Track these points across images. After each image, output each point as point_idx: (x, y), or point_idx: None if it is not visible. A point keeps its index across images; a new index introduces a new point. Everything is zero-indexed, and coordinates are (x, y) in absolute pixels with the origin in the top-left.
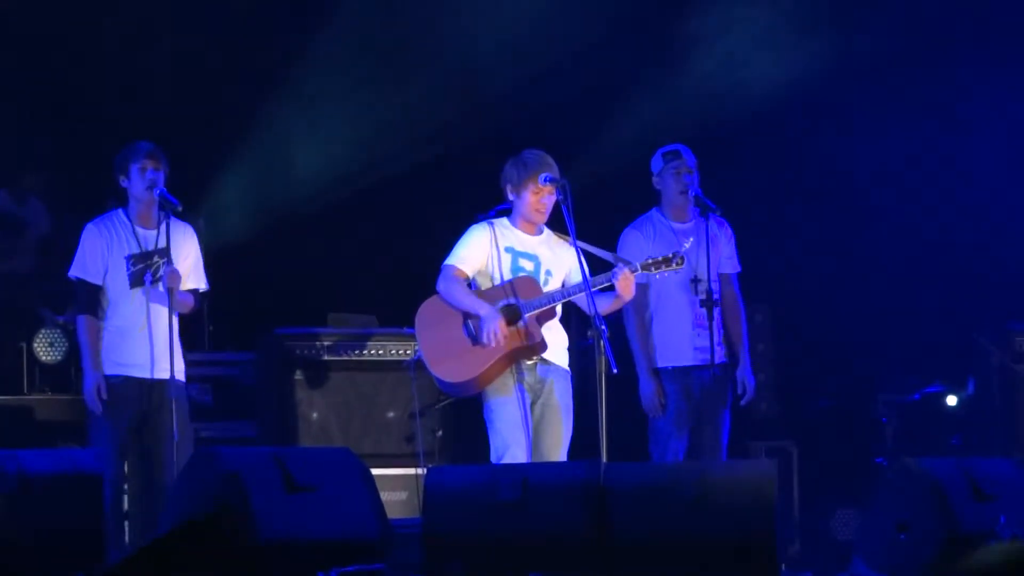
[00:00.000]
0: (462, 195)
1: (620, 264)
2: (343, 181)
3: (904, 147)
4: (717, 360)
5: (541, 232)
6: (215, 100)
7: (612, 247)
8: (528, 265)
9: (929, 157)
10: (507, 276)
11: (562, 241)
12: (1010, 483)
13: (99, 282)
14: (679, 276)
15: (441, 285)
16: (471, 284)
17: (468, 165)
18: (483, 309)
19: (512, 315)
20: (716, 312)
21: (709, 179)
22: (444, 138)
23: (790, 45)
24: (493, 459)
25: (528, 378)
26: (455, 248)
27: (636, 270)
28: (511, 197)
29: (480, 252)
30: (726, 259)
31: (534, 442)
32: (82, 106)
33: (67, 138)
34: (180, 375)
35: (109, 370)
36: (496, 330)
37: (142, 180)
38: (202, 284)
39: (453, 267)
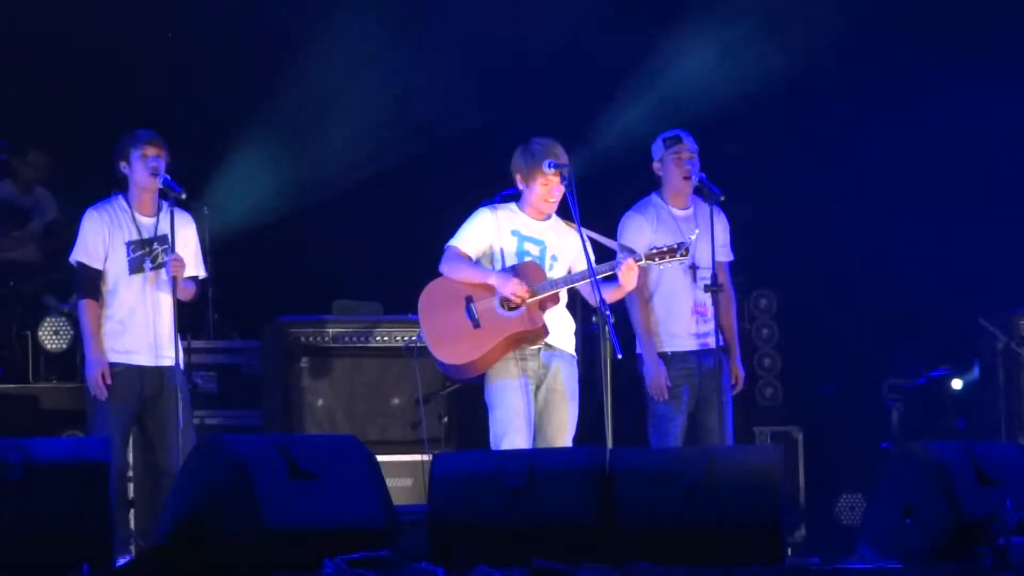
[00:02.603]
0: (467, 182)
1: (624, 253)
2: (348, 169)
3: (909, 132)
4: (717, 345)
5: (548, 218)
6: (220, 88)
7: (611, 231)
8: (534, 249)
9: (934, 141)
10: (512, 259)
11: (569, 228)
12: (1015, 467)
13: (100, 266)
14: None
15: (445, 265)
16: None
17: (473, 153)
18: (491, 277)
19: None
20: (717, 297)
21: (713, 164)
22: (450, 125)
23: (799, 27)
24: (491, 445)
25: (531, 363)
26: (459, 230)
27: (640, 260)
28: (520, 186)
29: (484, 235)
30: (720, 247)
31: (539, 428)
32: (86, 95)
33: (71, 127)
34: (180, 363)
35: (110, 358)
36: (516, 288)
37: (144, 167)
38: (201, 272)
39: (456, 248)
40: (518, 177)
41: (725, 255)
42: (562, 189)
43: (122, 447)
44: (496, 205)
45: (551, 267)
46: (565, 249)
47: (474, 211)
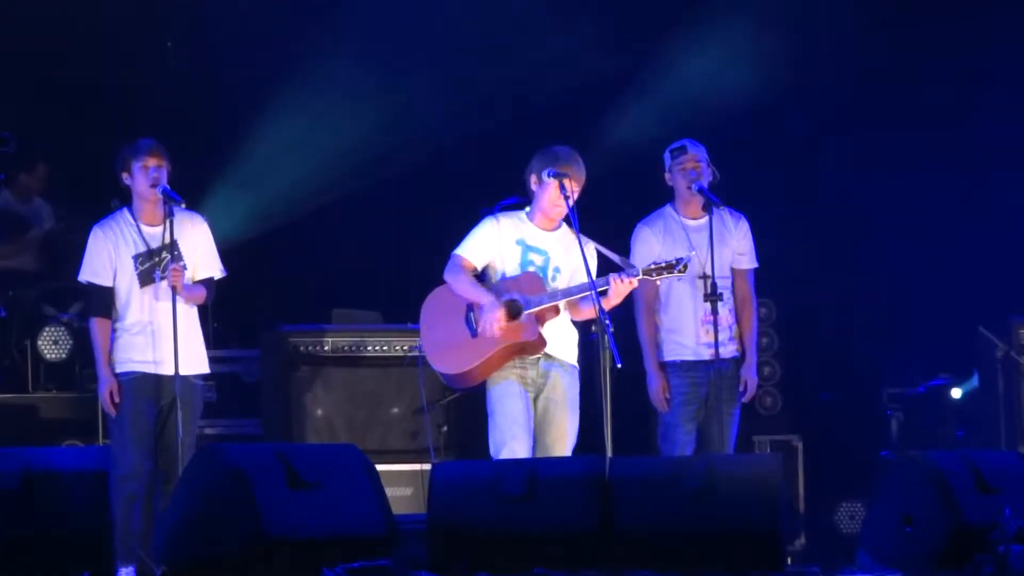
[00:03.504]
0: (465, 192)
1: (622, 271)
2: (347, 178)
3: (908, 137)
4: (727, 355)
5: (558, 228)
6: (217, 97)
7: (621, 241)
8: (538, 259)
9: (933, 146)
10: (515, 269)
11: (577, 240)
12: (1015, 475)
13: (109, 283)
14: (688, 272)
15: (448, 274)
16: (482, 276)
17: (473, 163)
18: (485, 299)
19: (514, 310)
20: (721, 307)
21: (719, 172)
22: (448, 134)
23: (796, 38)
24: (491, 453)
25: (530, 373)
26: (466, 238)
27: (638, 275)
28: (533, 188)
29: (488, 245)
30: (740, 255)
31: (538, 437)
32: (85, 104)
33: (70, 136)
34: (203, 368)
35: (124, 368)
36: (495, 320)
37: (145, 177)
38: (217, 272)
39: (461, 257)
40: (533, 179)
41: (746, 263)
42: (575, 196)
43: (141, 455)
44: (503, 214)
45: (553, 278)
46: (569, 261)
47: (481, 219)
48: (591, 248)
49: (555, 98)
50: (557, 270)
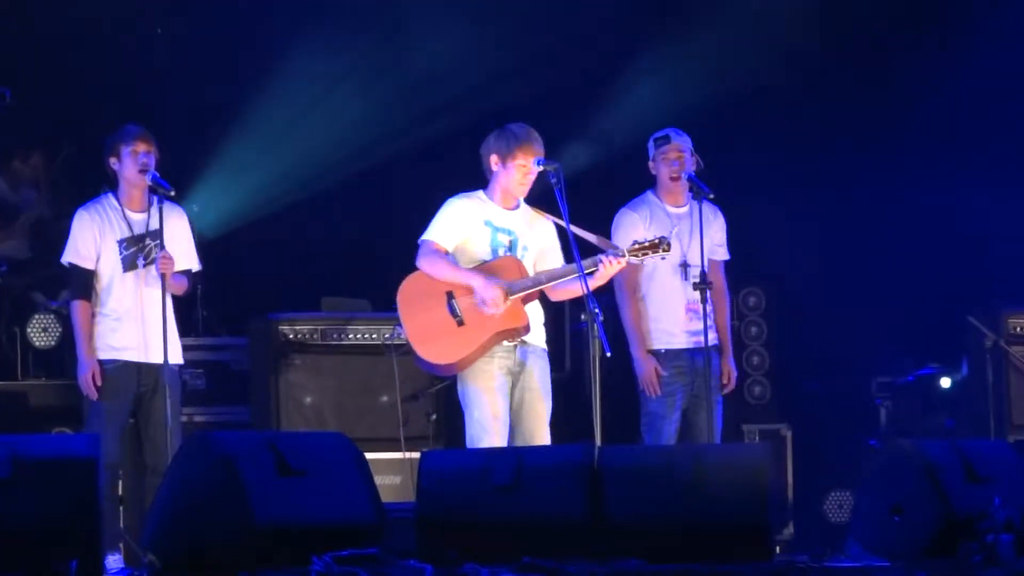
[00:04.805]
0: (454, 179)
1: (609, 251)
2: (337, 166)
3: (898, 128)
4: (711, 343)
5: (518, 207)
6: (209, 85)
7: (604, 230)
8: (505, 240)
9: (923, 140)
10: (485, 250)
11: (539, 216)
12: (1004, 465)
13: (92, 266)
14: (670, 260)
15: (422, 261)
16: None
17: (463, 150)
18: (474, 280)
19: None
20: (708, 295)
21: (703, 161)
22: (436, 122)
23: (789, 23)
24: (468, 446)
25: (508, 362)
26: (432, 223)
27: (623, 255)
28: (494, 169)
29: (457, 226)
30: (716, 246)
31: (516, 425)
32: (77, 91)
33: (61, 123)
34: (177, 358)
35: (104, 355)
36: (497, 295)
37: (134, 163)
38: (195, 264)
39: (432, 242)
40: (493, 159)
41: (722, 254)
42: (536, 172)
43: (117, 444)
44: (464, 194)
45: (522, 256)
46: (535, 238)
47: (444, 202)
48: (551, 225)
49: (542, 91)
50: (525, 248)
